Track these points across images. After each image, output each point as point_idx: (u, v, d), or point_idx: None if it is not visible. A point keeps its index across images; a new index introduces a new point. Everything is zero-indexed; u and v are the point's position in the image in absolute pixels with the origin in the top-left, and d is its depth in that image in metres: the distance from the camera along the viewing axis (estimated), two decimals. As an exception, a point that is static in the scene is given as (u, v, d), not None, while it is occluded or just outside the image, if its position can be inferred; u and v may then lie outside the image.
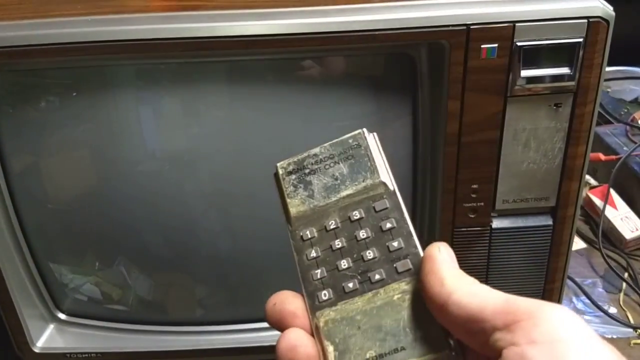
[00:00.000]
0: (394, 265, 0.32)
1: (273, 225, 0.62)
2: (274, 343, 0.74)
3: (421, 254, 0.32)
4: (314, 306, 0.32)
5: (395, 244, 0.32)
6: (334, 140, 0.35)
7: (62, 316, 0.66)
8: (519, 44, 0.47)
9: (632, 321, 0.74)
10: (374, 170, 0.34)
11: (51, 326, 0.65)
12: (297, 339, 0.31)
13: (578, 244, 0.86)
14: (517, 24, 0.47)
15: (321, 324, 0.31)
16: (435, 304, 0.29)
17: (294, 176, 0.35)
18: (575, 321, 0.25)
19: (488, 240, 0.55)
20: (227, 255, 0.65)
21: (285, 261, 0.63)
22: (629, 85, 1.10)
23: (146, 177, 0.60)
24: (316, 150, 0.35)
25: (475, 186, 0.53)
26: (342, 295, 0.32)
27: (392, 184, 0.34)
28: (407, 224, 0.33)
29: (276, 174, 0.35)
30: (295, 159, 0.35)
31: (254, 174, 0.59)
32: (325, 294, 0.32)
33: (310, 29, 0.47)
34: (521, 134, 0.51)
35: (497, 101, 0.50)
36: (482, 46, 0.47)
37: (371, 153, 0.35)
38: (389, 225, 0.33)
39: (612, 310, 0.76)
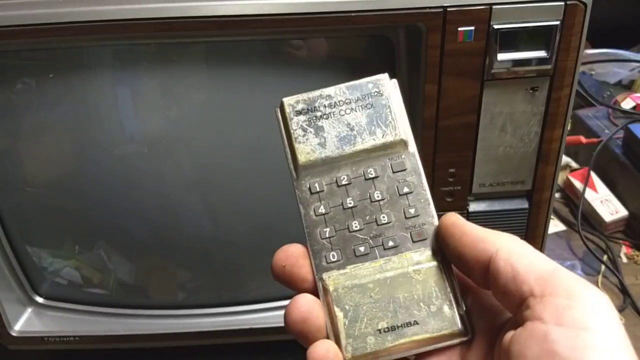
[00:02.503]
0: (409, 233, 0.30)
1: (255, 206, 0.63)
2: (256, 325, 0.73)
3: (437, 223, 0.30)
4: (321, 266, 0.31)
5: (411, 210, 0.31)
6: (351, 82, 0.32)
7: (40, 300, 0.66)
8: (495, 26, 0.47)
9: (609, 303, 0.75)
10: (394, 125, 0.31)
11: (29, 310, 0.65)
12: (309, 310, 0.29)
13: (558, 226, 0.87)
14: (493, 6, 0.46)
15: (330, 289, 0.30)
16: (477, 263, 0.28)
17: (303, 117, 0.31)
18: (609, 313, 0.25)
19: (465, 223, 0.56)
20: (208, 238, 0.65)
21: (267, 242, 0.63)
22: (613, 68, 1.10)
23: (125, 160, 0.60)
24: (330, 90, 0.32)
25: (452, 170, 0.53)
26: (351, 258, 0.30)
27: (412, 143, 0.32)
28: (424, 189, 0.31)
29: (281, 110, 0.32)
30: (306, 97, 0.32)
31: (234, 155, 0.59)
32: (333, 255, 0.30)
33: (285, 10, 0.46)
34: (498, 117, 0.51)
35: (474, 85, 0.49)
36: (459, 29, 0.47)
37: (392, 104, 0.32)
38: (406, 189, 0.31)
39: (591, 292, 0.76)
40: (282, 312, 0.68)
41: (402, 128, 0.31)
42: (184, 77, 0.56)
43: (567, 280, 0.26)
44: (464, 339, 0.29)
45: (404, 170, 0.31)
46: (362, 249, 0.31)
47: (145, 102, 0.58)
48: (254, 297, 0.67)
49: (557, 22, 0.47)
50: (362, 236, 0.31)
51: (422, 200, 0.31)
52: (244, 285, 0.70)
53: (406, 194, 0.31)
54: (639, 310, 0.74)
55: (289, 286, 0.31)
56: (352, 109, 0.31)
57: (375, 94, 0.32)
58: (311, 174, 0.31)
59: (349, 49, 0.55)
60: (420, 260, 0.30)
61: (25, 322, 0.65)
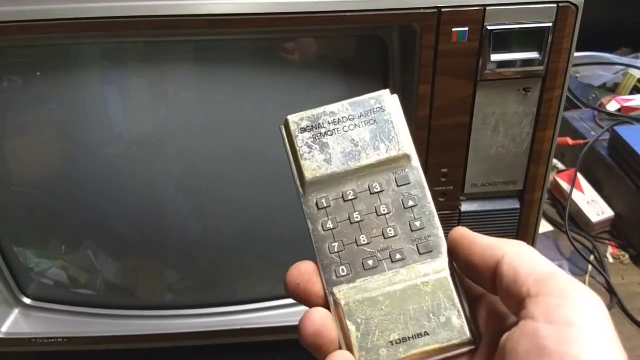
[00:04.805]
0: (416, 245, 0.31)
1: (243, 208, 0.62)
2: (245, 326, 0.73)
3: (442, 235, 0.31)
4: (331, 281, 0.31)
5: (417, 223, 0.31)
6: (353, 99, 0.33)
7: (27, 301, 0.65)
8: (489, 27, 0.47)
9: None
10: (397, 140, 0.32)
11: (16, 311, 0.64)
12: (323, 324, 0.30)
13: (545, 226, 0.87)
14: (487, 8, 0.46)
15: (342, 303, 0.31)
16: (486, 268, 0.29)
17: (308, 135, 0.32)
18: (597, 311, 0.26)
19: (457, 223, 0.56)
20: (197, 239, 0.65)
21: (255, 244, 0.63)
22: (598, 71, 1.11)
23: (113, 160, 0.59)
24: (333, 107, 0.33)
25: (445, 170, 0.53)
26: (361, 272, 0.31)
27: (415, 157, 0.33)
28: (429, 202, 0.32)
29: (286, 128, 0.33)
30: (310, 114, 0.33)
31: (223, 155, 0.59)
32: (343, 270, 0.31)
33: (279, 9, 0.46)
34: (490, 118, 0.51)
35: (467, 85, 0.50)
36: (453, 30, 0.47)
37: (395, 119, 0.32)
38: (411, 202, 0.32)
39: (578, 292, 0.77)
40: (271, 312, 0.68)
41: (405, 143, 0.32)
42: (174, 76, 0.56)
43: (562, 282, 0.27)
44: (473, 347, 0.30)
45: (408, 184, 0.32)
46: (370, 262, 0.31)
47: (134, 102, 0.57)
48: (243, 298, 0.67)
49: (550, 24, 0.47)
50: (370, 250, 0.31)
51: (427, 213, 0.32)
52: (233, 285, 0.70)
53: (411, 207, 0.32)
54: (626, 309, 0.75)
55: (304, 303, 0.32)
56: (355, 125, 0.32)
57: (378, 109, 0.33)
58: (318, 189, 0.32)
59: (342, 50, 0.55)
60: (427, 272, 0.31)
61: (12, 324, 0.64)
